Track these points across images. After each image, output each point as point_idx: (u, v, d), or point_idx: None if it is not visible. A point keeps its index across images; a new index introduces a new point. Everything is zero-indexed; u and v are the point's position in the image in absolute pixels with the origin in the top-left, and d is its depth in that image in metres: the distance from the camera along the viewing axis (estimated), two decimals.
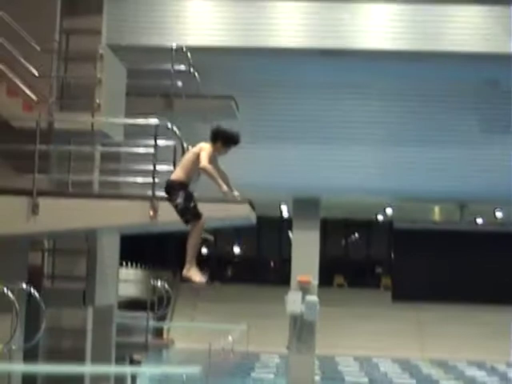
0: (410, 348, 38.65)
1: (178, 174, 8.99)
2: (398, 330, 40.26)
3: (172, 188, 8.96)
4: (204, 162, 8.78)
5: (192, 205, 8.88)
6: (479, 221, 41.13)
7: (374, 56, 19.64)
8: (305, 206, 22.17)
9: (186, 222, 8.92)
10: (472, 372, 34.79)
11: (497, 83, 20.60)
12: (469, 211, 29.47)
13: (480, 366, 36.29)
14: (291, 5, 19.56)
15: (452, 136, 20.73)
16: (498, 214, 35.93)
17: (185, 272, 9.09)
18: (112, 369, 14.64)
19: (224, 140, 9.23)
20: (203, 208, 8.93)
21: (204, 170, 8.76)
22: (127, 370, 15.91)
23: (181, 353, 31.04)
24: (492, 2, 19.54)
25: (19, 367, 10.80)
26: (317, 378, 25.75)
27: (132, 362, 20.19)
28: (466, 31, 19.61)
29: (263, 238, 48.72)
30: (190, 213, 8.90)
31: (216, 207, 10.39)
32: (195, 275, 9.11)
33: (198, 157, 8.88)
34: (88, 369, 13.27)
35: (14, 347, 9.69)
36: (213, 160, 9.04)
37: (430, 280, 43.40)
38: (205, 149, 8.94)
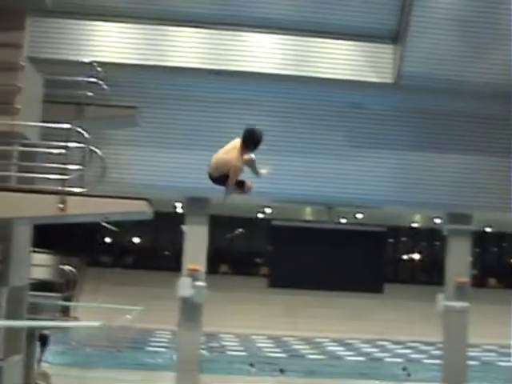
0: (282, 327, 38.95)
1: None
2: (273, 311, 40.50)
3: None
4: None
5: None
6: (343, 221, 41.75)
7: (258, 78, 19.75)
8: (196, 204, 22.07)
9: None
10: (333, 348, 35.30)
11: (361, 106, 20.97)
12: (335, 212, 29.83)
13: (340, 342, 36.84)
14: (188, 30, 19.59)
15: (323, 148, 20.99)
16: (359, 216, 36.51)
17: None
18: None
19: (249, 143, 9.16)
20: (106, 203, 8.77)
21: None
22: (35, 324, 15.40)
23: (85, 329, 30.55)
24: (359, 39, 19.90)
25: None
26: (203, 351, 25.68)
27: (41, 336, 19.73)
28: (338, 61, 19.91)
29: (159, 231, 48.41)
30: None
31: (117, 203, 10.25)
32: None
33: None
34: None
35: None
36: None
37: (301, 270, 43.88)
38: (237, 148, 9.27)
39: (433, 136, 21.16)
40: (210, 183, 21.31)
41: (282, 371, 26.28)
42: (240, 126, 21.12)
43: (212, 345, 32.24)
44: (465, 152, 21.33)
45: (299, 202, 24.17)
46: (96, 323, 14.45)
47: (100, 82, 15.65)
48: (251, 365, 27.91)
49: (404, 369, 27.81)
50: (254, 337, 36.81)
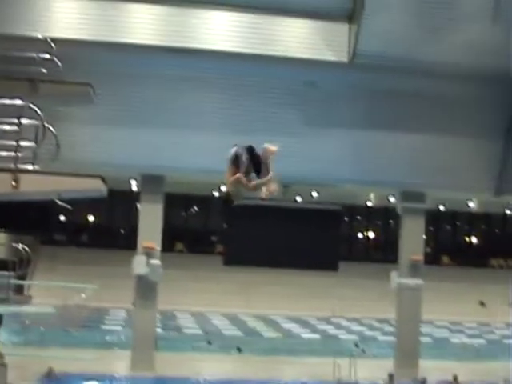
0: (238, 305, 39.09)
1: None
2: (229, 290, 40.61)
3: None
4: None
5: None
6: (298, 199, 41.93)
7: (213, 56, 19.67)
8: (151, 182, 22.02)
9: None
10: (288, 325, 35.51)
11: (317, 85, 20.98)
12: (290, 191, 29.94)
13: (295, 320, 37.06)
14: (145, 6, 19.39)
15: (278, 127, 20.96)
16: (314, 194, 36.69)
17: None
18: None
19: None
20: (60, 181, 8.71)
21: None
22: None
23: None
24: (315, 17, 19.89)
25: None
26: (158, 329, 25.72)
27: None
28: (293, 39, 19.90)
29: (115, 209, 48.22)
30: None
31: (71, 181, 10.18)
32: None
33: None
34: None
35: None
36: None
37: (256, 248, 43.99)
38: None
39: (387, 115, 21.30)
40: (164, 161, 21.18)
41: (239, 350, 26.39)
42: (197, 104, 21.02)
43: (168, 323, 32.27)
44: (420, 131, 21.51)
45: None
46: (49, 309, 14.27)
47: (54, 59, 15.46)
48: (209, 342, 27.96)
49: (356, 345, 28.11)
50: (209, 315, 36.88)
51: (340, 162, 21.37)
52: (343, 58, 19.76)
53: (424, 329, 25.47)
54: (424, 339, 25.69)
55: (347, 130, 21.21)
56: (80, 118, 19.94)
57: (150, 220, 21.95)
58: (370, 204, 49.14)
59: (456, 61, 19.76)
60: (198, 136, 20.60)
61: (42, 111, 10.56)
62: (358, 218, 52.69)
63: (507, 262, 57.37)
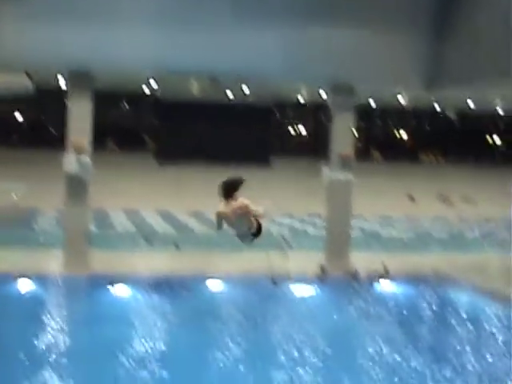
0: (171, 203, 39.23)
1: None
2: (162, 187, 40.73)
3: None
4: None
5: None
6: (230, 96, 41.81)
7: None
8: (79, 78, 21.52)
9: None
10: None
11: None
12: (219, 86, 29.71)
13: None
14: None
15: (208, 19, 20.63)
16: (246, 91, 36.60)
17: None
18: None
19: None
20: None
21: None
22: None
23: None
24: None
25: None
26: (92, 228, 25.71)
27: None
28: None
29: (44, 107, 47.39)
30: None
31: None
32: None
33: None
34: None
35: None
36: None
37: (189, 145, 43.94)
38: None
39: (318, 9, 21.07)
40: (92, 56, 20.68)
41: (177, 246, 26.52)
42: None
43: (101, 221, 32.24)
44: (350, 25, 21.36)
45: (182, 72, 24.00)
46: None
47: None
48: (146, 239, 27.99)
49: (284, 238, 28.42)
50: (143, 213, 36.93)
51: (270, 55, 21.19)
52: None
53: (354, 223, 25.97)
54: (354, 233, 26.23)
55: (277, 23, 20.95)
56: (3, 14, 19.27)
57: (80, 118, 21.63)
58: (301, 100, 49.29)
59: None
60: (127, 27, 20.15)
61: None
62: (290, 113, 52.93)
63: (436, 157, 58.53)
